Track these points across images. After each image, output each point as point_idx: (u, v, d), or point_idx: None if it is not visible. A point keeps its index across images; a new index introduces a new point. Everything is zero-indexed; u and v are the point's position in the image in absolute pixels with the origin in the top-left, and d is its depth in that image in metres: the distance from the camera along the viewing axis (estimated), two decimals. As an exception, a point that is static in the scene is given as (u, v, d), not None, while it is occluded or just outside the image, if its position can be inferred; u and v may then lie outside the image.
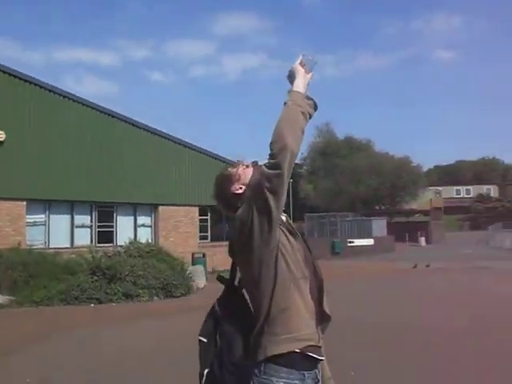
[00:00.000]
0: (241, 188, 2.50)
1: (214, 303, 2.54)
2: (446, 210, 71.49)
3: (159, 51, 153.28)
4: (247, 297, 2.47)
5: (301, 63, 2.55)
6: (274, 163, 2.18)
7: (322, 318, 2.44)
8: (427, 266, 25.28)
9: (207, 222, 25.01)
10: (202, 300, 13.03)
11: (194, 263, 20.36)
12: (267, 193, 2.19)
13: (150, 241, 20.68)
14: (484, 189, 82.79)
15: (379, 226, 42.17)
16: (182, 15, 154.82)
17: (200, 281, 18.21)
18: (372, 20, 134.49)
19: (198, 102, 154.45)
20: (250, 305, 2.43)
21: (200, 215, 24.39)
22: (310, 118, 2.37)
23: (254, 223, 2.24)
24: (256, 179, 2.31)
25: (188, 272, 17.58)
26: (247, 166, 2.58)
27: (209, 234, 25.04)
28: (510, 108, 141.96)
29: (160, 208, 22.75)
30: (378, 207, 59.96)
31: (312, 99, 2.43)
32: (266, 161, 2.22)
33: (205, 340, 2.46)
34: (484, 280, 19.88)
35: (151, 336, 10.32)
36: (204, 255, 21.42)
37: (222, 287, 2.58)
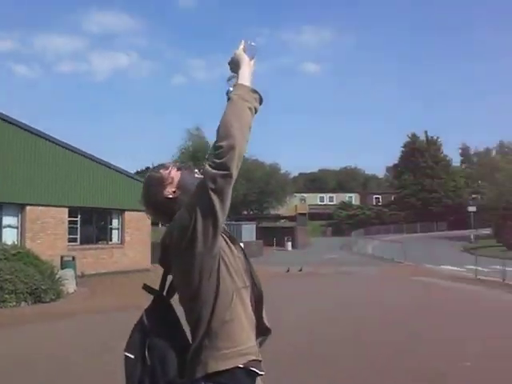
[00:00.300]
0: (174, 192, 2.28)
1: (141, 315, 2.29)
2: (311, 216, 74.03)
3: (26, 44, 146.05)
4: (181, 308, 2.25)
5: (243, 49, 2.39)
6: (221, 163, 2.01)
7: (261, 331, 2.30)
8: (300, 270, 25.72)
9: (77, 223, 23.85)
10: (72, 305, 12.37)
11: (63, 267, 19.33)
12: (212, 194, 2.01)
13: (16, 243, 19.44)
14: (346, 197, 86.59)
15: (248, 230, 42.75)
16: (51, 8, 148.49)
17: (70, 285, 17.37)
18: (243, 27, 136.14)
19: (65, 99, 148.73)
20: (186, 317, 2.21)
21: (69, 217, 23.22)
22: (255, 112, 2.21)
23: (196, 228, 2.04)
24: (200, 180, 2.10)
25: (58, 276, 16.69)
26: (179, 169, 2.38)
27: (78, 236, 23.90)
28: (370, 120, 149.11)
29: (27, 208, 21.29)
30: (246, 212, 60.93)
31: (257, 93, 2.26)
32: (211, 160, 2.04)
33: (131, 356, 2.20)
34: (349, 285, 20.66)
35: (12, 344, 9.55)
36: (74, 258, 20.50)
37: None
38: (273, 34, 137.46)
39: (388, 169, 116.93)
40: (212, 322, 2.10)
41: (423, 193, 73.92)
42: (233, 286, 2.15)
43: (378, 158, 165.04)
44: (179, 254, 2.11)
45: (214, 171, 2.00)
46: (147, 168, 79.99)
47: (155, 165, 2.47)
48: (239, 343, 2.13)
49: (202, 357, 2.09)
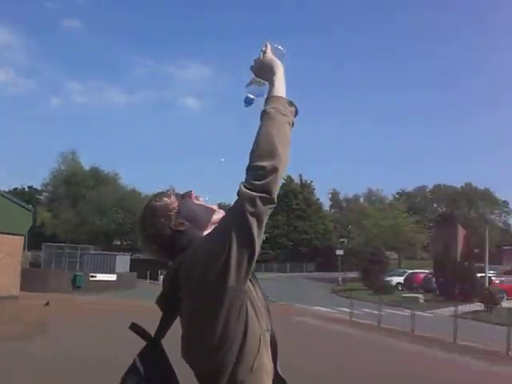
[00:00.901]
0: (182, 224, 1.95)
1: (133, 361, 1.96)
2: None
3: None
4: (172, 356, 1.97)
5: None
6: (262, 185, 1.75)
7: (276, 381, 1.93)
8: None
9: None
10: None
11: None
12: (250, 219, 1.73)
13: None
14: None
15: (123, 261, 41.80)
16: None
17: None
18: (126, 54, 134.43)
19: None
20: (194, 369, 1.87)
21: None
22: (292, 127, 1.95)
23: (231, 257, 1.71)
24: (235, 203, 1.80)
25: None
26: (183, 196, 2.07)
27: None
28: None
29: None
30: (119, 242, 59.59)
31: (294, 105, 1.99)
32: (247, 181, 1.78)
33: None
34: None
35: None
36: None
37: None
38: (157, 66, 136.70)
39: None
40: (237, 372, 1.77)
41: (295, 234, 75.89)
42: (259, 329, 1.84)
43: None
44: (203, 290, 1.76)
45: (253, 193, 1.74)
46: (15, 189, 76.88)
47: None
48: None
49: None
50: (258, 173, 1.76)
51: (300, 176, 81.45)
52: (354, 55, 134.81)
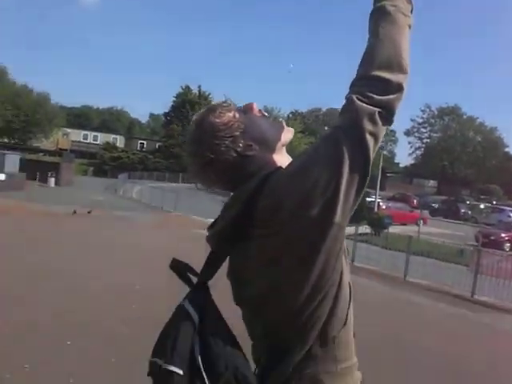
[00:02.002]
0: (251, 146, 1.57)
1: (180, 304, 1.55)
2: (72, 153, 71.38)
3: None
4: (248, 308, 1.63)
5: None
6: (386, 100, 1.46)
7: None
8: (89, 212, 24.63)
9: None
10: None
11: None
12: (369, 138, 1.43)
13: None
14: (111, 138, 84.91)
15: (12, 161, 39.84)
16: None
17: None
18: None
19: None
20: (261, 321, 1.57)
21: None
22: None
23: (340, 189, 1.40)
24: (350, 116, 1.46)
25: None
26: (245, 111, 1.65)
27: None
28: (144, 64, 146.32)
29: None
30: (7, 140, 56.84)
31: (412, 3, 1.62)
32: (362, 92, 1.47)
33: (180, 372, 1.40)
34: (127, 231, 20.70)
35: None
36: None
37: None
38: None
39: (151, 115, 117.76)
40: (329, 328, 1.50)
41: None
42: (349, 276, 1.56)
43: (143, 103, 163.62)
44: (299, 227, 1.41)
45: (373, 108, 1.45)
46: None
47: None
48: (353, 355, 1.61)
49: (310, 371, 1.50)
50: (379, 85, 1.47)
51: (199, 87, 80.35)
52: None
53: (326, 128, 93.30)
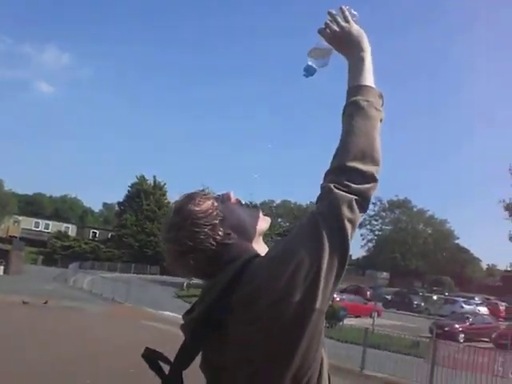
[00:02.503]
0: (229, 235, 1.56)
1: None
2: (22, 240, 69.93)
3: None
4: None
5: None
6: (362, 189, 1.51)
7: None
8: (45, 302, 24.04)
9: None
10: None
11: None
12: (348, 225, 1.46)
13: None
14: (63, 226, 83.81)
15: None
16: None
17: None
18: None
19: None
20: None
21: None
22: None
23: (320, 275, 1.39)
24: (329, 204, 1.48)
25: None
26: (222, 200, 1.66)
27: None
28: (98, 153, 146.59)
29: None
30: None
31: (383, 98, 1.69)
32: (340, 182, 1.51)
33: None
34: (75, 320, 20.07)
35: None
36: None
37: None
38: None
39: (104, 204, 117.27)
40: None
41: (142, 235, 74.85)
42: (327, 359, 1.52)
43: (96, 192, 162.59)
44: (279, 314, 1.38)
45: (350, 195, 1.49)
46: None
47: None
48: None
49: None
50: (355, 175, 1.52)
51: (154, 177, 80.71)
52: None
53: (279, 220, 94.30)
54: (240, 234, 1.58)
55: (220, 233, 1.55)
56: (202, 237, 1.53)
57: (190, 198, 1.62)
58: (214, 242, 1.54)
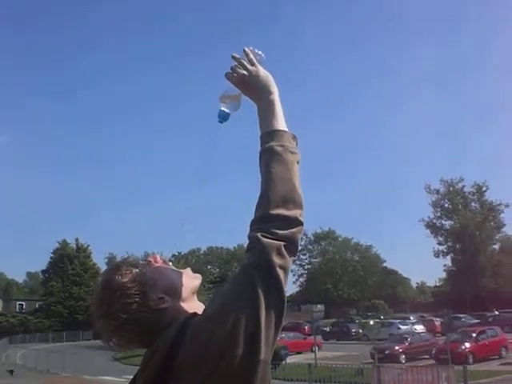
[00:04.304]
0: (162, 299, 1.53)
1: None
2: None
3: None
4: None
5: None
6: (288, 234, 1.51)
7: None
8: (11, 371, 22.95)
9: None
10: None
11: None
12: (280, 272, 1.46)
13: None
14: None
15: None
16: None
17: None
18: None
19: None
20: None
21: None
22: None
23: (261, 326, 1.39)
24: (259, 255, 1.48)
25: None
26: (149, 263, 1.62)
27: None
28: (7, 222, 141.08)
29: None
30: None
31: (297, 139, 1.69)
32: (265, 230, 1.51)
33: None
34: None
35: None
36: None
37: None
38: None
39: (28, 274, 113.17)
40: None
41: (70, 300, 72.61)
42: None
43: (18, 262, 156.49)
44: (227, 370, 1.38)
45: (279, 242, 1.49)
46: None
47: None
48: None
49: None
50: (280, 222, 1.51)
51: (76, 240, 78.78)
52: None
53: (208, 267, 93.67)
54: (173, 296, 1.56)
55: (152, 299, 1.52)
56: (134, 307, 1.49)
57: (115, 269, 1.57)
58: (147, 310, 1.50)
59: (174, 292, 1.56)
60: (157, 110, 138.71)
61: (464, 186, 79.56)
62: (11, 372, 23.33)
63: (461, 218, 75.05)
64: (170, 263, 1.67)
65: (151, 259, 1.63)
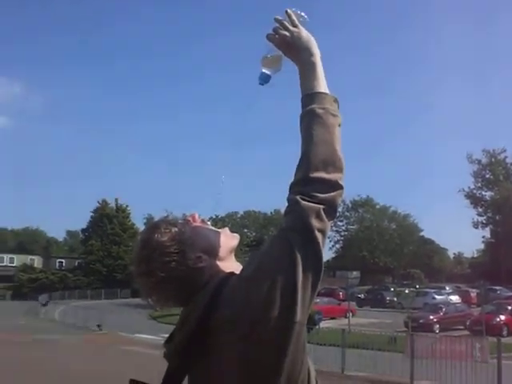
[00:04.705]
0: (200, 258, 1.54)
1: None
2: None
3: None
4: None
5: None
6: (328, 198, 1.51)
7: None
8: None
9: None
10: None
11: None
12: (319, 235, 1.47)
13: None
14: (28, 259, 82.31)
15: None
16: None
17: None
18: None
19: None
20: None
21: None
22: None
23: (297, 288, 1.41)
24: (297, 217, 1.48)
25: None
26: (186, 223, 1.63)
27: None
28: (56, 182, 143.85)
29: None
30: None
31: (338, 102, 1.68)
32: (306, 192, 1.51)
33: None
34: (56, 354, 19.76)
35: None
36: None
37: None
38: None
39: (68, 232, 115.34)
40: None
41: (109, 259, 74.00)
42: (315, 374, 1.55)
43: (59, 221, 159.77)
44: (263, 330, 1.39)
45: (317, 205, 1.49)
46: None
47: None
48: None
49: None
50: (320, 185, 1.52)
51: (116, 200, 79.85)
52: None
53: (245, 231, 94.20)
54: (211, 255, 1.57)
55: (191, 258, 1.53)
56: (173, 265, 1.51)
57: (154, 227, 1.59)
58: (186, 268, 1.52)
59: (212, 251, 1.58)
60: (191, 80, 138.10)
61: (506, 157, 78.03)
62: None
63: (502, 190, 73.74)
64: (209, 223, 1.69)
65: (190, 218, 1.66)
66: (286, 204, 1.55)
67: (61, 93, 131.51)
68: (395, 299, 48.25)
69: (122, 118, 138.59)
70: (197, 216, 1.68)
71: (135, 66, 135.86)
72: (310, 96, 1.64)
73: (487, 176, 78.67)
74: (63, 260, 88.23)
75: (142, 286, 1.58)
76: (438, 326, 29.17)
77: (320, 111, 1.59)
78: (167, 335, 1.61)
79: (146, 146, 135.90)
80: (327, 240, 1.63)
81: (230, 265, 1.62)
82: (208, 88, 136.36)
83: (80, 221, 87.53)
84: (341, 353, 15.67)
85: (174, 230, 1.57)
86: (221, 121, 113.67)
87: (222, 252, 1.61)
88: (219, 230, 1.68)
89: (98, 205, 79.11)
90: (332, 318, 34.83)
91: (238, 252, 1.79)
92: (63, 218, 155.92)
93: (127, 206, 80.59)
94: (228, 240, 1.66)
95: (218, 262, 1.59)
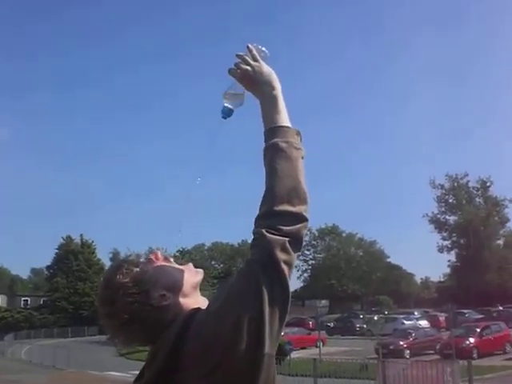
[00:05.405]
0: (164, 296, 1.54)
1: None
2: None
3: None
4: None
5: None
6: (293, 230, 1.52)
7: None
8: None
9: None
10: None
11: None
12: (285, 267, 1.47)
13: None
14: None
15: None
16: None
17: None
18: None
19: None
20: None
21: None
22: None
23: (265, 320, 1.40)
24: (262, 250, 1.49)
25: None
26: (150, 260, 1.63)
27: None
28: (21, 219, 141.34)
29: None
30: None
31: (300, 135, 1.70)
32: (271, 226, 1.51)
33: None
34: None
35: None
36: None
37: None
38: None
39: (33, 270, 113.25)
40: None
41: (75, 296, 72.77)
42: None
43: (23, 258, 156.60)
44: (232, 364, 1.39)
45: (284, 238, 1.49)
46: None
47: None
48: None
49: None
50: (285, 218, 1.52)
51: (81, 236, 78.94)
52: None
53: (212, 263, 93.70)
54: (175, 293, 1.57)
55: (154, 297, 1.53)
56: (136, 306, 1.51)
57: (116, 268, 1.59)
58: (150, 308, 1.52)
59: (176, 288, 1.57)
60: (157, 106, 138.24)
61: (468, 181, 79.36)
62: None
63: (465, 213, 74.88)
64: (172, 259, 1.67)
65: (152, 257, 1.64)
66: (252, 237, 1.56)
67: (22, 126, 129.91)
68: (365, 326, 48.30)
69: (83, 153, 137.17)
70: (159, 254, 1.66)
71: (95, 94, 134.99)
72: (272, 130, 1.66)
73: (450, 200, 79.78)
74: (28, 298, 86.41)
75: (108, 327, 1.57)
76: (408, 351, 29.24)
77: (283, 145, 1.61)
78: (136, 372, 1.59)
79: (109, 179, 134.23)
80: (295, 269, 1.65)
81: (195, 301, 1.62)
82: (171, 116, 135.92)
83: (44, 258, 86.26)
84: (313, 383, 15.56)
85: (136, 270, 1.57)
86: (189, 147, 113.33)
87: (186, 288, 1.60)
88: (182, 267, 1.66)
89: (62, 241, 78.07)
90: (302, 348, 34.75)
91: (205, 285, 1.78)
92: (27, 255, 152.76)
93: (92, 241, 79.70)
94: (192, 276, 1.65)
95: (183, 299, 1.58)
